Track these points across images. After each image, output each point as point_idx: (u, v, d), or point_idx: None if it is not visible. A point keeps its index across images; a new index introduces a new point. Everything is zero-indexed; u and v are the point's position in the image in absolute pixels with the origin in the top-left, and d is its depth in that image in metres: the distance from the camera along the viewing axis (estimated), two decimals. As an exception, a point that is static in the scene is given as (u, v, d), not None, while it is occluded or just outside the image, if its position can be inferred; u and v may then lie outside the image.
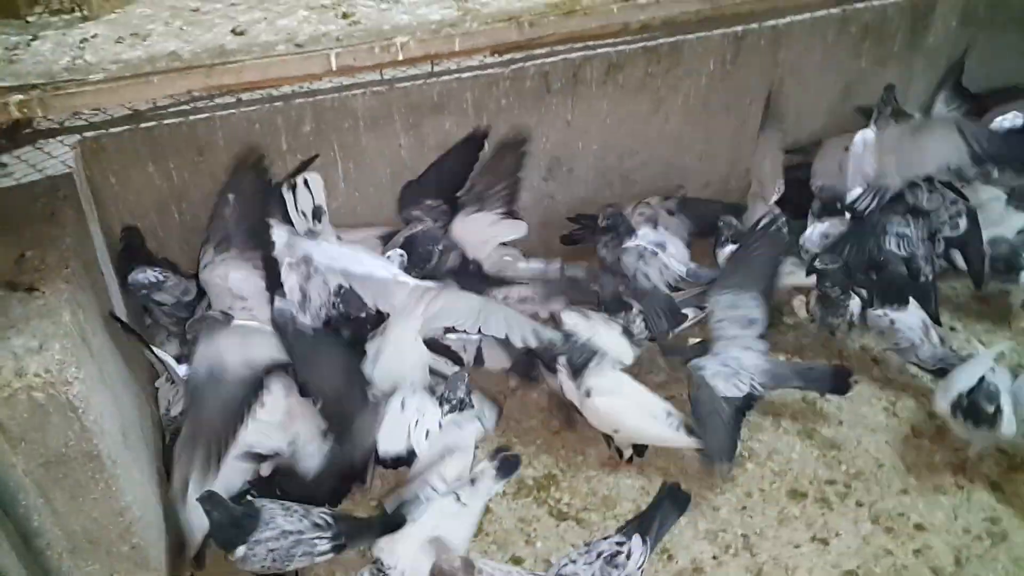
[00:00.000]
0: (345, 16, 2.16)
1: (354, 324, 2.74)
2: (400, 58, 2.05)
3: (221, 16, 2.14)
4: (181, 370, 2.51)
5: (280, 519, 2.16)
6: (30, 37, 2.07)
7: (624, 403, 2.54)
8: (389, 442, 2.49)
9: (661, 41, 3.06)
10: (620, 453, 2.69)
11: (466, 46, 2.08)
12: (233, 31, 2.09)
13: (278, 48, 2.00)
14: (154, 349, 2.56)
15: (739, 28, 3.17)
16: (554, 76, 3.02)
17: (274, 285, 2.57)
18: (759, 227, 2.91)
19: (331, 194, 2.96)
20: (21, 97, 1.84)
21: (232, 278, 2.55)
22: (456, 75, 2.86)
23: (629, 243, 3.03)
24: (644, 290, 3.00)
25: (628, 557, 2.12)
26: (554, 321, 2.75)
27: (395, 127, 2.96)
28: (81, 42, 2.07)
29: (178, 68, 1.92)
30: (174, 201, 2.88)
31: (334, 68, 2.01)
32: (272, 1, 2.22)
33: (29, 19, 2.16)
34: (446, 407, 2.56)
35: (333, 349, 2.59)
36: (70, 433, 1.93)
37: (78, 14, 2.17)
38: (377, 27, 2.11)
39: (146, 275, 2.84)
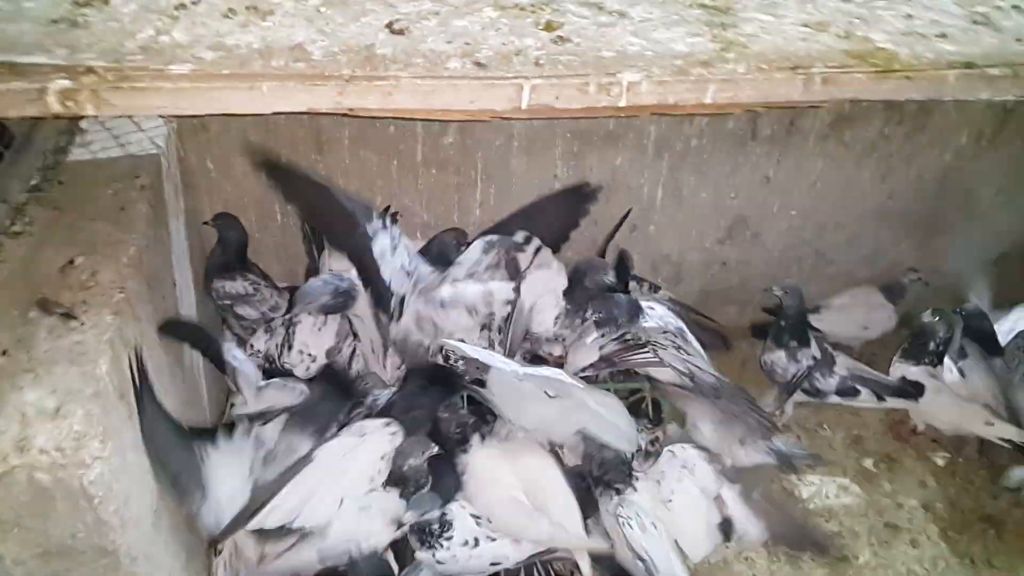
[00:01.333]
0: (549, 27, 1.40)
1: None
2: (621, 104, 1.28)
3: None
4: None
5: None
6: (109, -9, 1.37)
7: None
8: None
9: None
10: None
11: (723, 98, 1.30)
12: (390, 27, 1.35)
13: (450, 65, 1.26)
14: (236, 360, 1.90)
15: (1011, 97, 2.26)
16: (765, 121, 2.22)
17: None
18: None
19: (462, 219, 2.32)
20: (67, 84, 1.15)
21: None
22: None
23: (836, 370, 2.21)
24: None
25: None
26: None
27: (554, 153, 2.26)
28: (177, 7, 1.36)
29: (302, 75, 1.20)
30: (279, 201, 2.22)
31: (524, 106, 1.25)
32: (447, -13, 1.46)
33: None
34: None
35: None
36: (80, 524, 1.35)
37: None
38: (594, 51, 1.34)
39: (236, 284, 2.21)
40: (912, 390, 2.21)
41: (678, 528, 1.81)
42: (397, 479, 1.68)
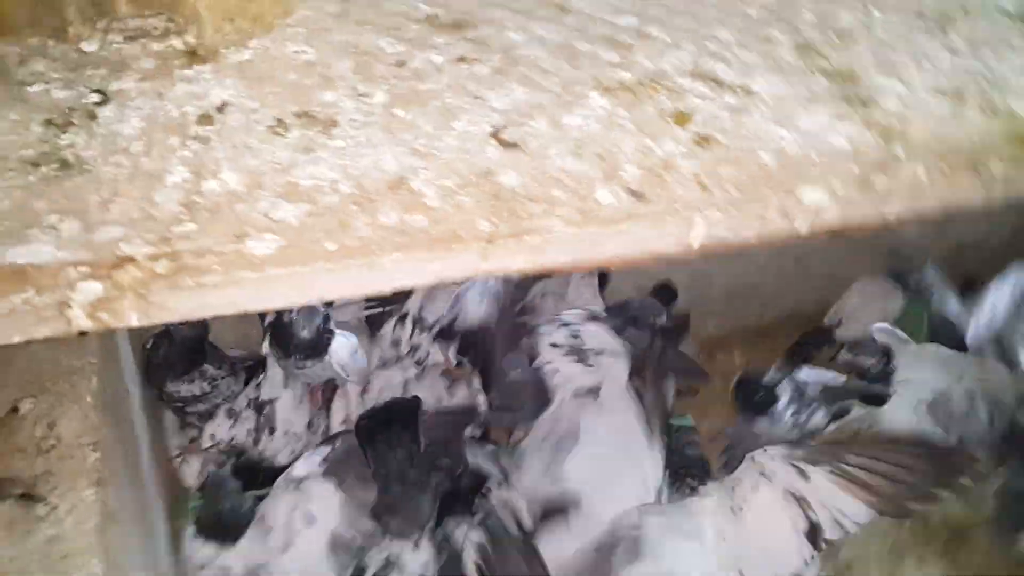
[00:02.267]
0: (681, 120, 1.10)
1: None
2: (803, 231, 1.02)
3: (456, 85, 1.06)
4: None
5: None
6: (95, 97, 0.95)
7: None
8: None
9: None
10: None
11: (908, 213, 1.07)
12: (497, 137, 1.02)
13: (600, 197, 0.95)
14: None
15: None
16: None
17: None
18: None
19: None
20: (98, 290, 0.75)
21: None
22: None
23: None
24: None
25: None
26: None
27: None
28: (200, 120, 0.96)
29: (430, 238, 0.86)
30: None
31: (697, 246, 0.97)
32: (533, 67, 1.13)
33: (86, 46, 1.03)
34: None
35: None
36: None
37: (179, 45, 1.05)
38: (748, 153, 1.07)
39: (194, 387, 1.81)
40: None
41: (749, 542, 1.56)
42: None
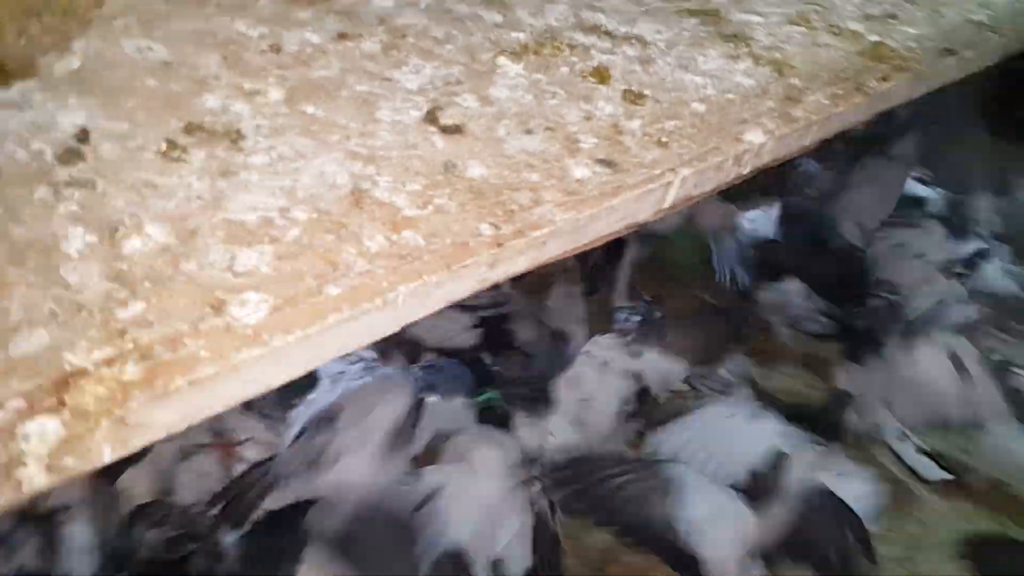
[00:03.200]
0: (602, 78, 1.03)
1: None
2: (746, 172, 1.01)
3: (355, 68, 0.89)
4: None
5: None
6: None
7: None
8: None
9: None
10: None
11: (812, 139, 1.10)
12: (435, 123, 0.87)
13: (577, 173, 0.85)
14: None
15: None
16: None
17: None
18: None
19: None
20: (57, 432, 0.52)
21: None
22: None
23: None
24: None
25: None
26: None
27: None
28: (65, 158, 0.71)
29: (437, 256, 0.71)
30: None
31: (668, 205, 0.92)
32: (424, 37, 0.99)
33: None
34: None
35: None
36: None
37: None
38: (682, 106, 1.02)
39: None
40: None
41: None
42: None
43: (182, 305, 0.61)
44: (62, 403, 0.53)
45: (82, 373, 0.54)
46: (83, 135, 0.74)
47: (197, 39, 0.91)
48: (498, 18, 1.12)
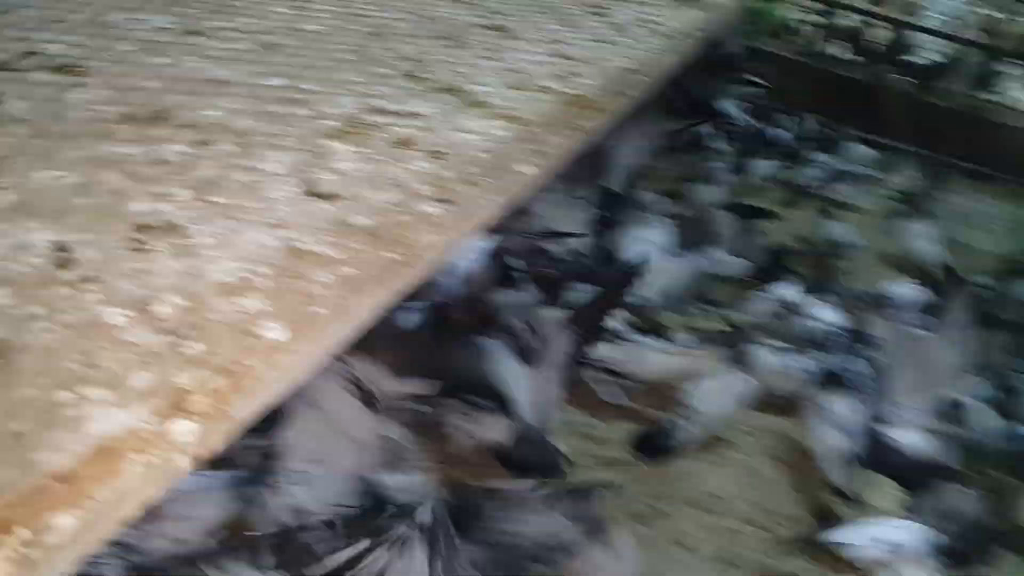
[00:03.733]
0: (407, 144, 1.36)
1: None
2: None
3: (221, 164, 1.13)
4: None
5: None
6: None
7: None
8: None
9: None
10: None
11: (554, 167, 1.52)
12: (314, 194, 1.14)
13: (426, 211, 1.17)
14: None
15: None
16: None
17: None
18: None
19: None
20: (192, 429, 0.73)
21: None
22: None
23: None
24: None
25: None
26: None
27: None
28: (61, 265, 0.88)
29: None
30: None
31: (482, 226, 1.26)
32: (257, 133, 1.25)
33: None
34: None
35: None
36: None
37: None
38: (469, 155, 1.39)
39: None
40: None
41: None
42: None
43: (227, 338, 0.83)
44: (184, 411, 0.73)
45: (185, 392, 0.75)
46: (63, 247, 0.90)
47: (93, 162, 1.08)
48: (308, 112, 1.39)
